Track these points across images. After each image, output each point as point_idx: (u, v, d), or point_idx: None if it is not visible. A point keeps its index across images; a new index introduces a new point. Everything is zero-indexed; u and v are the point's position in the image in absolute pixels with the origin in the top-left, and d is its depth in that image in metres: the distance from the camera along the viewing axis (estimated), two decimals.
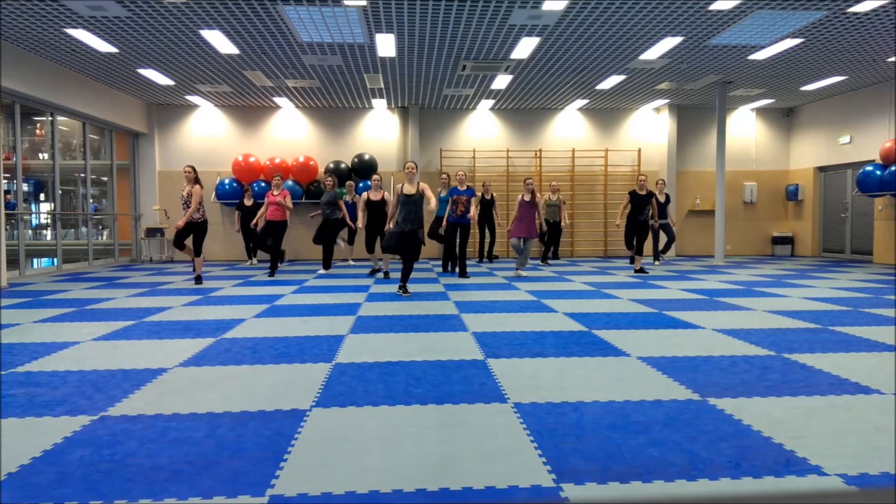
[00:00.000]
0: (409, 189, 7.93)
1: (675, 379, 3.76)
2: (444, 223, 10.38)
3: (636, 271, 10.80)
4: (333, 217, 10.98)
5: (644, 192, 10.61)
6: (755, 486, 2.31)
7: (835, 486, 2.31)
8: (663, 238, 12.87)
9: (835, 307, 6.74)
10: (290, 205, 10.57)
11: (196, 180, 9.10)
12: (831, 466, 2.46)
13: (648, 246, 13.33)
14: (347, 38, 9.48)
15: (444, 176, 11.63)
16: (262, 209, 10.66)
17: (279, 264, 12.20)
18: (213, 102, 14.38)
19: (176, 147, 14.79)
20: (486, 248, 13.43)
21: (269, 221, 10.49)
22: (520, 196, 10.25)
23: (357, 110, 15.09)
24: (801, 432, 2.83)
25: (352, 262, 13.47)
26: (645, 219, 10.67)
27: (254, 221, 11.21)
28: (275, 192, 10.53)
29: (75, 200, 15.43)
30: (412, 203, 7.86)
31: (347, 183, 12.95)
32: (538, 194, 11.99)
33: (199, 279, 9.46)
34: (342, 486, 2.30)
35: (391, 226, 8.08)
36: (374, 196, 9.73)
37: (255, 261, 13.55)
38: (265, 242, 10.60)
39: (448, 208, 10.27)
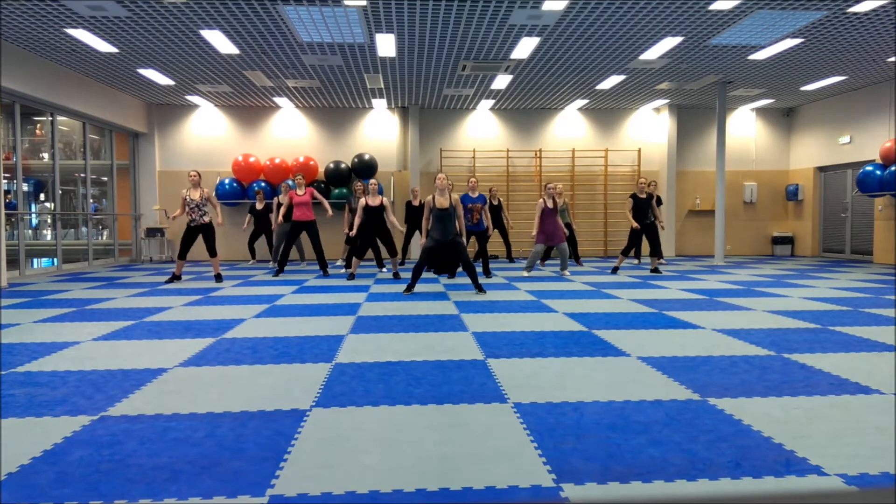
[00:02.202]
0: (443, 202, 7.99)
1: (675, 379, 3.76)
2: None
3: (651, 271, 10.80)
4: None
5: (644, 196, 10.65)
6: (755, 486, 2.31)
7: (835, 486, 2.31)
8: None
9: (835, 307, 6.74)
10: (325, 200, 10.48)
11: (199, 184, 9.50)
12: (831, 466, 2.45)
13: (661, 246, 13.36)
14: (347, 38, 9.48)
15: (450, 184, 11.48)
16: (283, 209, 10.52)
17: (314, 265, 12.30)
18: (213, 102, 14.38)
19: (176, 147, 14.79)
20: (506, 251, 13.54)
21: (300, 223, 10.32)
22: (541, 201, 10.07)
23: (357, 110, 15.09)
24: (801, 432, 2.83)
25: (360, 263, 13.46)
26: (649, 220, 10.73)
27: (276, 224, 11.20)
28: (299, 192, 10.44)
29: (75, 200, 15.43)
30: (447, 217, 7.97)
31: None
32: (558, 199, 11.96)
33: (219, 277, 9.68)
34: (342, 486, 2.30)
35: (423, 240, 8.21)
36: (373, 202, 9.62)
37: (254, 261, 13.57)
38: (288, 251, 10.52)
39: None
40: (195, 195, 9.32)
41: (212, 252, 9.55)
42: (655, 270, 10.81)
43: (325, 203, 10.58)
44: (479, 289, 8.02)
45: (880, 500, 0.81)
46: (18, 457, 2.59)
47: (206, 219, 9.39)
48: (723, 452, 2.59)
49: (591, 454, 2.58)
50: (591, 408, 3.21)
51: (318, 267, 12.17)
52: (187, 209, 9.32)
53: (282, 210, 10.70)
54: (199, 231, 9.37)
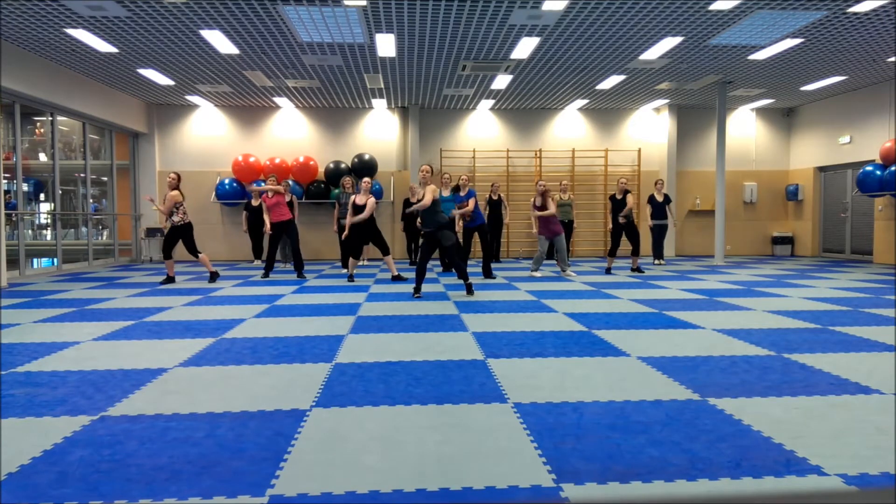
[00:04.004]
0: (420, 194, 7.81)
1: (675, 379, 3.76)
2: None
3: (633, 270, 10.84)
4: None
5: (621, 196, 10.65)
6: (755, 486, 2.31)
7: (835, 486, 2.31)
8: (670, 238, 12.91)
9: (835, 307, 6.74)
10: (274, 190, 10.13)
11: (176, 187, 9.40)
12: (831, 466, 2.46)
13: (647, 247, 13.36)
14: (347, 38, 9.48)
15: (446, 176, 11.33)
16: (267, 214, 10.34)
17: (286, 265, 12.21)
18: (213, 102, 14.38)
19: (176, 147, 14.79)
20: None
21: (277, 224, 10.13)
22: (539, 199, 10.07)
23: (357, 110, 15.09)
24: (801, 432, 2.83)
25: (365, 262, 13.44)
26: (630, 219, 10.72)
27: (266, 228, 11.09)
28: (269, 196, 10.30)
29: (75, 200, 15.43)
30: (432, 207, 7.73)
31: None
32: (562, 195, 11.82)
33: (214, 276, 9.63)
34: (342, 486, 2.30)
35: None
36: (360, 200, 9.53)
37: (260, 261, 13.56)
38: (273, 253, 10.31)
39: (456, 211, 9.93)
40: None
41: (192, 252, 9.44)
42: (637, 270, 10.85)
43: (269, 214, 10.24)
44: (469, 289, 7.82)
45: (880, 500, 0.81)
46: (18, 457, 2.59)
47: (177, 219, 9.27)
48: (723, 452, 2.59)
49: (591, 454, 2.58)
50: (591, 408, 3.21)
51: (323, 268, 12.16)
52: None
53: (265, 214, 10.38)
54: (173, 232, 9.29)
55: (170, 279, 9.54)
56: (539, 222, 10.04)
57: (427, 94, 13.66)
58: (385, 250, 9.69)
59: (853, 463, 2.49)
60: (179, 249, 9.95)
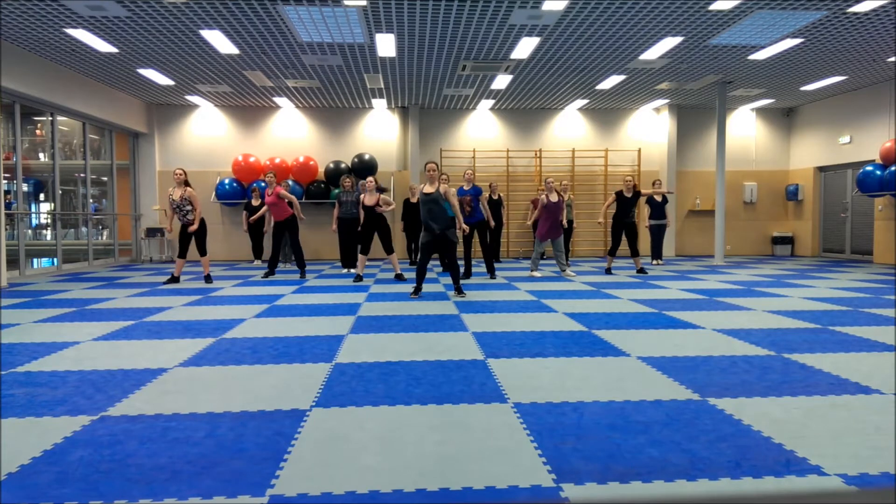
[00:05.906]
0: (429, 189, 7.66)
1: (675, 379, 3.76)
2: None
3: (637, 271, 10.79)
4: (355, 216, 10.77)
5: (630, 194, 10.61)
6: (755, 486, 2.31)
7: (835, 486, 2.31)
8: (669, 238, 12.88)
9: (835, 307, 6.74)
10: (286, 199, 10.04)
11: (186, 182, 9.21)
12: (831, 466, 2.45)
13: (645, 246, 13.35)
14: (347, 38, 9.48)
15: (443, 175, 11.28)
16: (263, 211, 10.33)
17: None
18: (213, 102, 14.38)
19: (176, 147, 14.79)
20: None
21: (277, 223, 10.14)
22: (544, 196, 9.99)
23: (357, 110, 15.09)
24: (801, 432, 2.83)
25: (366, 263, 13.44)
26: (632, 220, 10.71)
27: (268, 226, 11.06)
28: (269, 192, 10.25)
29: (75, 200, 15.43)
30: (431, 202, 7.57)
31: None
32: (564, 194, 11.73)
33: (208, 278, 9.61)
34: (342, 486, 2.30)
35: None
36: (369, 200, 9.57)
37: (261, 262, 13.56)
38: (276, 252, 10.30)
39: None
40: (176, 195, 9.11)
41: (200, 251, 9.42)
42: (641, 271, 10.80)
43: (296, 205, 10.19)
44: (459, 290, 7.72)
45: (880, 500, 0.81)
46: (18, 457, 2.59)
47: (190, 217, 9.15)
48: (723, 452, 2.59)
49: (591, 454, 2.58)
50: (591, 408, 3.21)
51: (323, 268, 12.15)
52: (174, 209, 9.15)
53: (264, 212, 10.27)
54: (187, 229, 9.21)
55: (174, 279, 9.51)
56: (548, 224, 9.97)
57: (427, 94, 13.66)
58: (390, 249, 9.71)
59: (853, 463, 2.49)
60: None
